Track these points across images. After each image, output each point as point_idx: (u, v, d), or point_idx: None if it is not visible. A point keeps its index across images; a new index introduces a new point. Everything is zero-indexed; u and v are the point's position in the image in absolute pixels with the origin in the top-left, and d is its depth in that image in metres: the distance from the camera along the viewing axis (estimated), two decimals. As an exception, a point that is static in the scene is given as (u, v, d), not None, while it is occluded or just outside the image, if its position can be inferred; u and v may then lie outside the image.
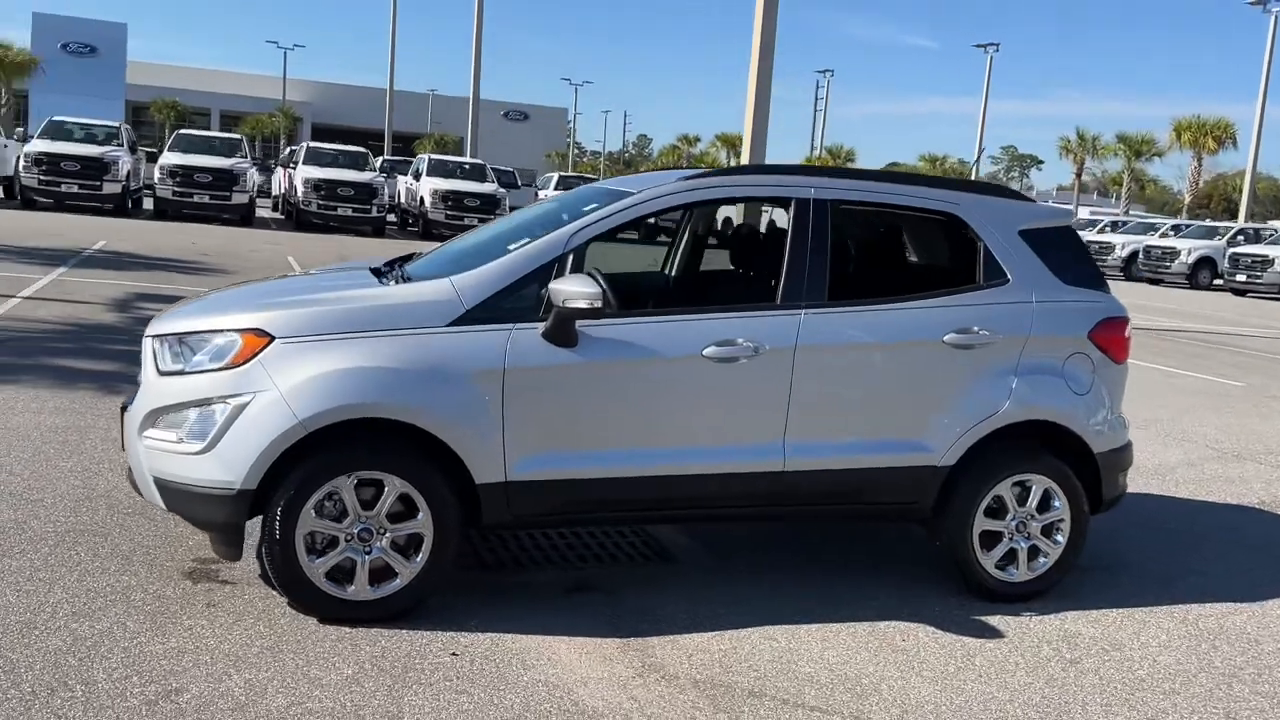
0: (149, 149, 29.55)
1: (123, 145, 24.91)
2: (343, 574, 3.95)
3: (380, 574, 3.99)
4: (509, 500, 4.08)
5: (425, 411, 3.91)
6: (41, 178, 23.25)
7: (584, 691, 3.62)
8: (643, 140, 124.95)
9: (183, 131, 27.35)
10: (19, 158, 24.22)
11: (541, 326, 4.05)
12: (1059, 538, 4.74)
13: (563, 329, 4.03)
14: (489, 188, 26.03)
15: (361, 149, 28.15)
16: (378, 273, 4.64)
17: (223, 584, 4.22)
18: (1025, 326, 4.63)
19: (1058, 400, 4.67)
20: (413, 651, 3.80)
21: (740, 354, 4.25)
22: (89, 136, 25.18)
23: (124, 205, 24.17)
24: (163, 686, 3.36)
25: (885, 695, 3.79)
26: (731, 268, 5.72)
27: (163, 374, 4.00)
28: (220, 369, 3.89)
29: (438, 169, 27.26)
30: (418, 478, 3.95)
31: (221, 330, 3.98)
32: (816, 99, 68.36)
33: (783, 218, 4.66)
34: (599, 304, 3.93)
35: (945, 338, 4.51)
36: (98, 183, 23.50)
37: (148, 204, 25.72)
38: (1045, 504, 4.71)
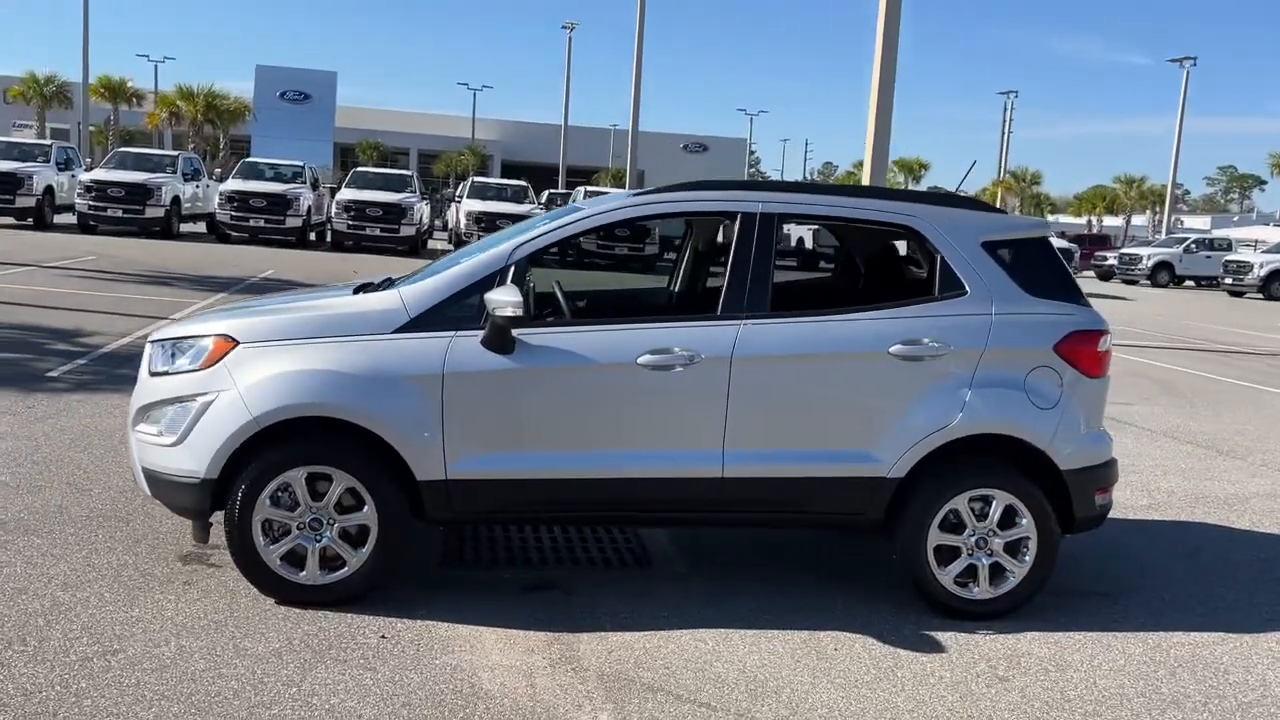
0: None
1: (305, 183, 26.93)
2: (297, 559, 4.32)
3: (331, 561, 4.34)
4: (450, 497, 4.36)
5: (368, 412, 4.25)
6: (233, 214, 25.43)
7: (486, 676, 3.85)
8: (828, 168, 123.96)
9: (359, 169, 29.33)
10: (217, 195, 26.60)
11: (481, 334, 4.33)
12: (1025, 556, 4.62)
13: (498, 336, 4.30)
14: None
15: (522, 183, 29.40)
16: (366, 287, 5.03)
17: (210, 567, 4.67)
18: (981, 338, 4.57)
19: (1017, 414, 4.57)
20: (346, 632, 4.12)
21: (675, 362, 4.40)
22: (277, 175, 27.38)
23: (305, 238, 26.10)
24: (104, 648, 3.80)
25: (783, 698, 3.83)
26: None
27: (152, 374, 4.50)
28: (194, 370, 4.35)
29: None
30: (363, 473, 4.29)
31: (201, 336, 4.45)
32: (1004, 121, 66.09)
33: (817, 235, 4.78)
34: (519, 312, 4.18)
35: (891, 349, 4.51)
36: (281, 217, 25.49)
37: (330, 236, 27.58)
38: (1009, 520, 4.61)
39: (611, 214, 4.68)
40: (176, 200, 25.89)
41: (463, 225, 26.37)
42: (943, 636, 4.45)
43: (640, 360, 4.38)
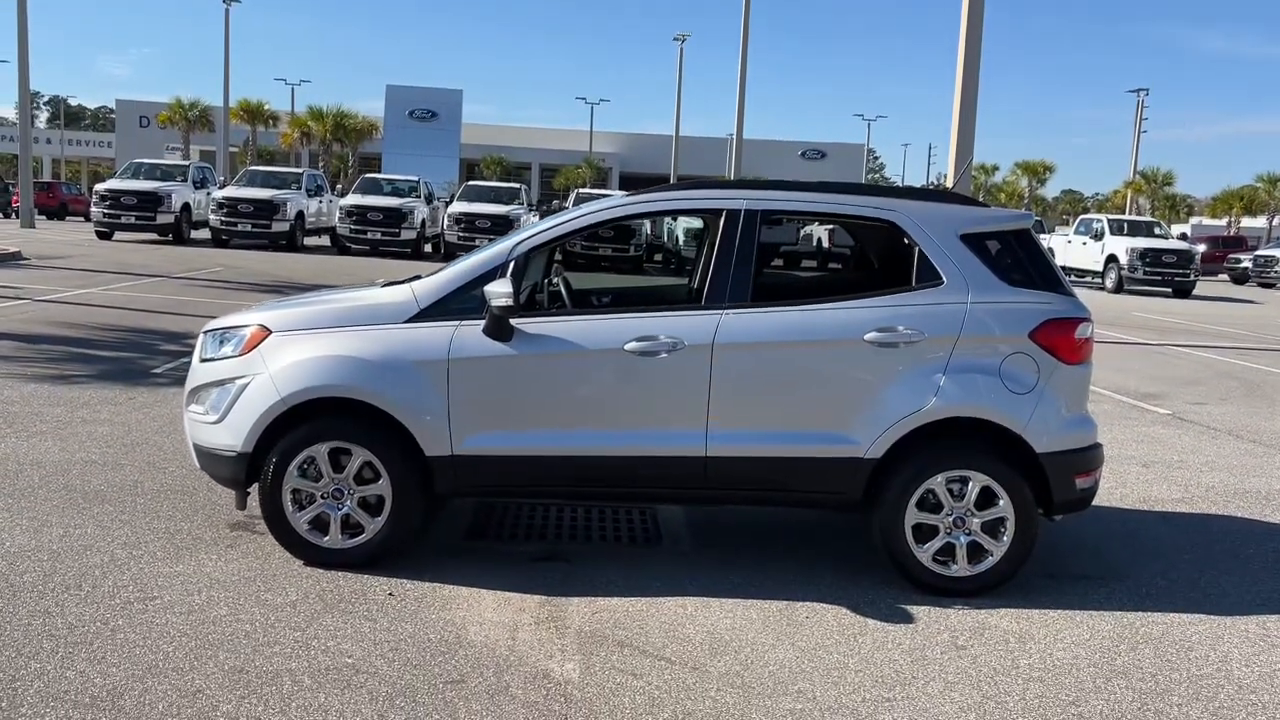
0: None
1: (420, 197, 28.14)
2: (321, 525, 4.83)
3: (352, 528, 4.84)
4: (456, 472, 4.81)
5: (381, 393, 4.72)
6: (352, 227, 26.78)
7: (474, 630, 4.26)
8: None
9: (470, 183, 30.47)
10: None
11: (482, 324, 4.77)
12: (1004, 535, 4.80)
13: (496, 325, 4.73)
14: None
15: (621, 193, 29.97)
16: (395, 283, 5.53)
17: (253, 533, 5.23)
18: (955, 326, 4.78)
19: (990, 399, 4.76)
20: (358, 589, 4.60)
21: (659, 349, 4.75)
22: (394, 190, 28.69)
23: (420, 249, 27.27)
24: (145, 595, 4.37)
25: (741, 656, 4.14)
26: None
27: (202, 361, 5.08)
28: (235, 356, 4.92)
29: (695, 208, 28.51)
30: (379, 448, 4.77)
31: (242, 326, 5.01)
32: (1136, 119, 63.70)
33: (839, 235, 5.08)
34: (511, 303, 4.60)
35: (866, 336, 4.76)
36: (397, 230, 26.71)
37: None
38: (986, 501, 4.80)
39: (606, 212, 5.06)
40: (301, 215, 27.42)
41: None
42: (916, 610, 4.67)
43: (628, 346, 4.75)
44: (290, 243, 27.03)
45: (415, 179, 29.67)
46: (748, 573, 5.05)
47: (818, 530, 5.82)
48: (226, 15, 46.66)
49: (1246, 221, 66.50)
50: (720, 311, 4.81)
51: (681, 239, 26.71)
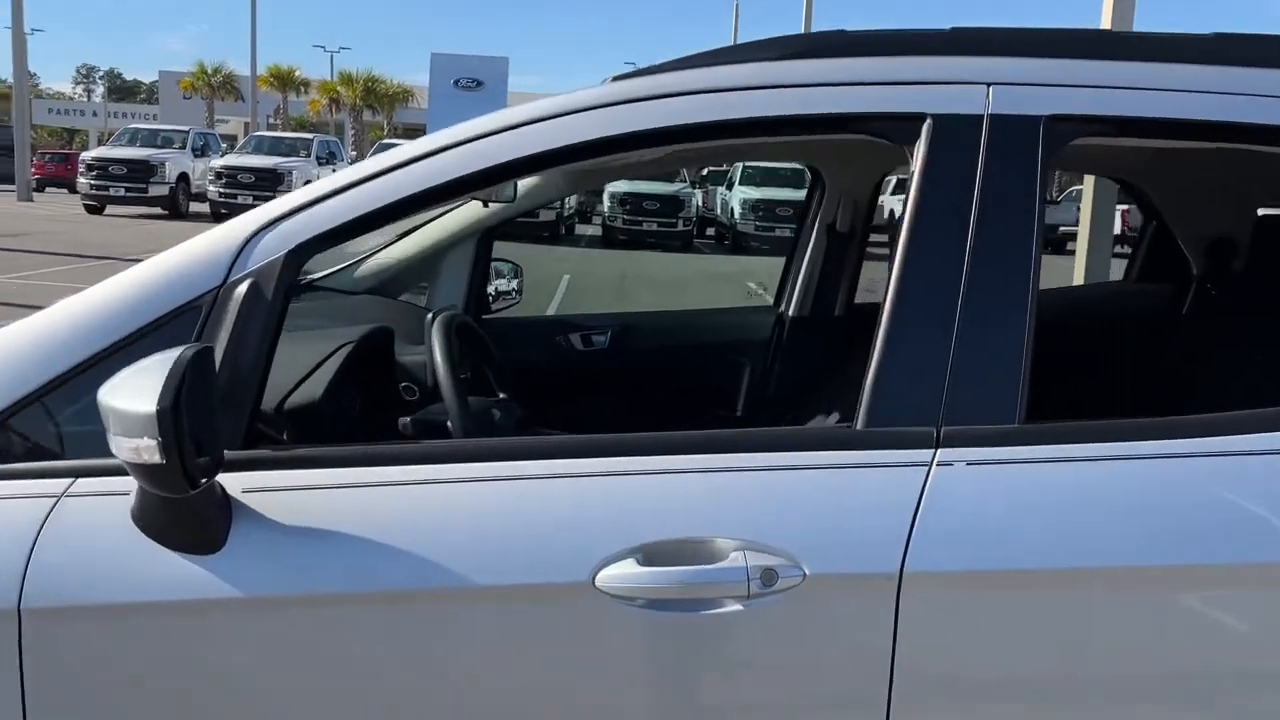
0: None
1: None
2: None
3: None
4: None
5: None
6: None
7: None
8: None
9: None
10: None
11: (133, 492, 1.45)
12: None
13: (151, 510, 1.40)
14: (802, 193, 23.39)
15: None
16: None
17: None
18: None
19: None
20: None
21: (714, 586, 1.39)
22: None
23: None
24: None
25: None
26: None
27: None
28: None
29: (752, 178, 24.83)
30: None
31: None
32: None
33: None
34: (155, 456, 1.26)
35: None
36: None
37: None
38: None
39: (548, 127, 1.67)
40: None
41: (605, 207, 23.94)
42: None
43: (602, 581, 1.40)
44: (296, 217, 24.00)
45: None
46: None
47: None
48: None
49: None
50: (922, 453, 1.43)
51: (738, 211, 23.18)
